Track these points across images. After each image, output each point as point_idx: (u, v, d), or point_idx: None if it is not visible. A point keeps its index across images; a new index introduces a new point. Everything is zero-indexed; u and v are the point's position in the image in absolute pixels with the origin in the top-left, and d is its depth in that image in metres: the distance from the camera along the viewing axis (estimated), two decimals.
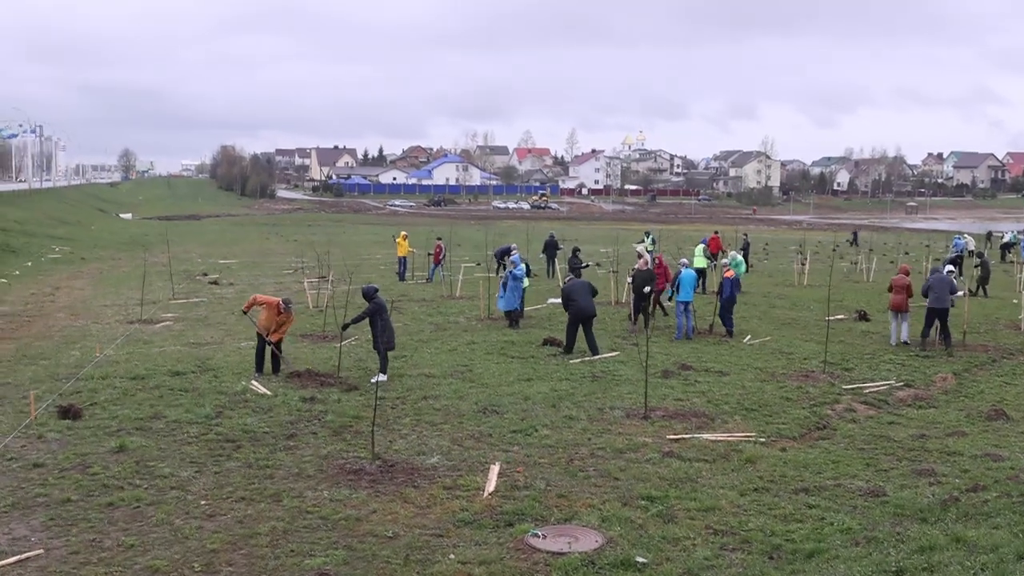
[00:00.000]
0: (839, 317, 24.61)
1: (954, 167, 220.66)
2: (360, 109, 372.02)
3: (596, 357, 18.24)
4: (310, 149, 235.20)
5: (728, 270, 21.36)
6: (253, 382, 15.49)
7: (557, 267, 34.12)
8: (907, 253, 53.21)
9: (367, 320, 16.09)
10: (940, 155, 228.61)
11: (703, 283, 30.04)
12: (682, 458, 11.53)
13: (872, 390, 15.66)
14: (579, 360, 17.99)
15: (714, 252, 35.23)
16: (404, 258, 34.11)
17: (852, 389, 15.72)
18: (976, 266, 33.30)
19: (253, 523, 9.26)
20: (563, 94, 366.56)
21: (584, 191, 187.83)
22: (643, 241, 40.59)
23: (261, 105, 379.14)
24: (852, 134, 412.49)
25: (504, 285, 22.07)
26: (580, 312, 18.85)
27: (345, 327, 16.35)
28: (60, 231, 62.58)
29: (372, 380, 15.59)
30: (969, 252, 43.47)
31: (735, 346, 19.96)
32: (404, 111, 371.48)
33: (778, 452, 11.91)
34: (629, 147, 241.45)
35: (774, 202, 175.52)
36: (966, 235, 53.68)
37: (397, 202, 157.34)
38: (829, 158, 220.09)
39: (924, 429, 13.23)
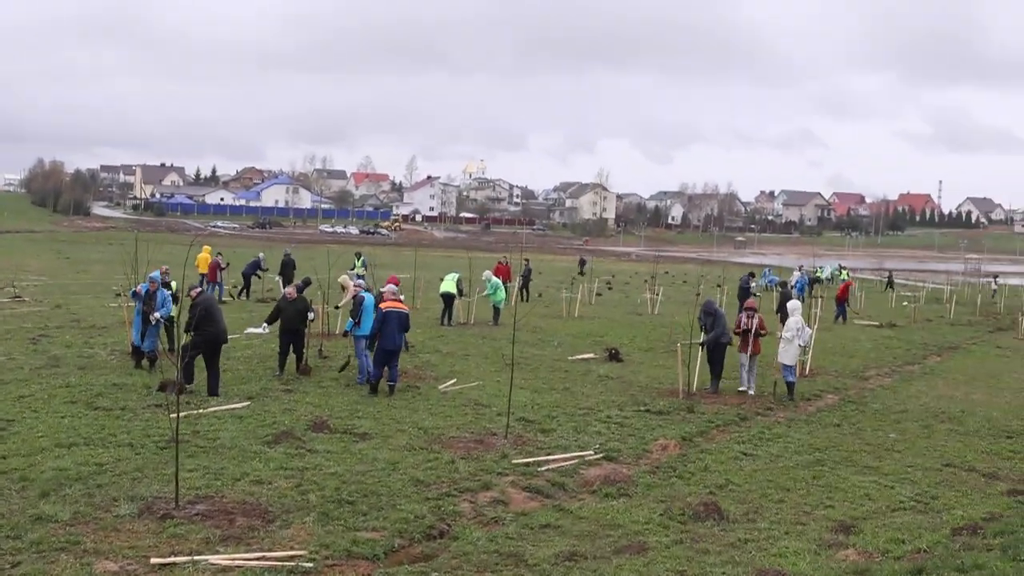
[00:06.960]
0: (586, 356, 20.34)
1: (783, 205, 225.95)
2: (200, 128, 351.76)
3: (211, 409, 13.26)
4: (135, 166, 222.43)
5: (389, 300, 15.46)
6: None
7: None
8: (719, 286, 50.28)
9: None
10: (772, 193, 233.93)
11: (449, 313, 25.46)
12: None
13: (555, 466, 11.12)
14: (185, 414, 12.94)
15: (504, 280, 31.40)
16: (204, 275, 31.13)
17: (527, 464, 11.14)
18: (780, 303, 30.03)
19: None
20: (406, 121, 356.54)
21: (419, 217, 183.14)
22: (354, 267, 35.56)
23: (99, 121, 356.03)
24: (686, 170, 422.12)
25: (140, 314, 16.59)
26: (216, 339, 14.40)
27: None
28: None
29: None
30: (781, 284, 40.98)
31: (423, 394, 15.26)
32: (243, 132, 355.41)
33: None
34: (470, 175, 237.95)
35: (608, 233, 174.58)
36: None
37: (220, 223, 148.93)
38: (664, 192, 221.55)
39: (588, 539, 8.67)
